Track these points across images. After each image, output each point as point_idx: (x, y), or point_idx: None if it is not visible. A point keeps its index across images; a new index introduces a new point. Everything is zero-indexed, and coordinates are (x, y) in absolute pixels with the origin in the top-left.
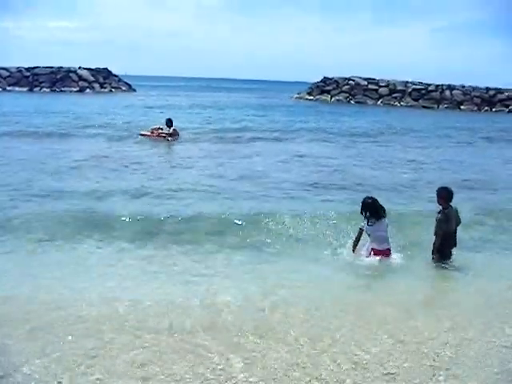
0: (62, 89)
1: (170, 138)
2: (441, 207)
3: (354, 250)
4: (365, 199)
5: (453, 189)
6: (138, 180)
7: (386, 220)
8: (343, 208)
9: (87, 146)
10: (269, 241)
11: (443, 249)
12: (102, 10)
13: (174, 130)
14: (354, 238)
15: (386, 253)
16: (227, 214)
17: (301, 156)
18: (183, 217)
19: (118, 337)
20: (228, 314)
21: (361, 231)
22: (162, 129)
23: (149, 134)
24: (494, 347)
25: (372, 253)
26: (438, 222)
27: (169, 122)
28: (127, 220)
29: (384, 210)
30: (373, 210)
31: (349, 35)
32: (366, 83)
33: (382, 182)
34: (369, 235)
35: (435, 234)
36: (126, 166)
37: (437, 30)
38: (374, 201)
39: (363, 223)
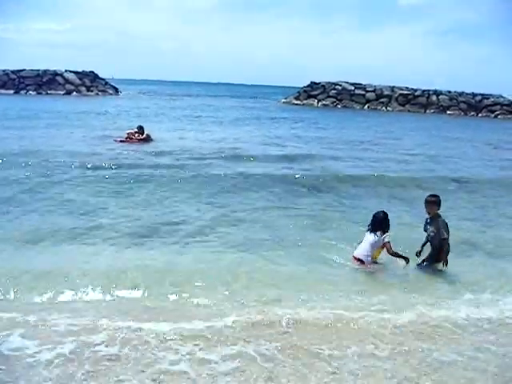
0: (48, 92)
1: (144, 140)
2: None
3: None
4: (376, 212)
5: None
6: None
7: (380, 238)
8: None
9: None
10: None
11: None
12: (89, 13)
13: (147, 135)
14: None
15: (357, 261)
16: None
17: None
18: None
19: None
20: None
21: None
22: (136, 133)
23: (123, 139)
24: None
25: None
26: (445, 225)
27: (140, 129)
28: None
29: (382, 229)
30: (372, 222)
31: (336, 38)
32: (352, 88)
33: None
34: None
35: (446, 238)
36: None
37: (425, 33)
38: (378, 217)
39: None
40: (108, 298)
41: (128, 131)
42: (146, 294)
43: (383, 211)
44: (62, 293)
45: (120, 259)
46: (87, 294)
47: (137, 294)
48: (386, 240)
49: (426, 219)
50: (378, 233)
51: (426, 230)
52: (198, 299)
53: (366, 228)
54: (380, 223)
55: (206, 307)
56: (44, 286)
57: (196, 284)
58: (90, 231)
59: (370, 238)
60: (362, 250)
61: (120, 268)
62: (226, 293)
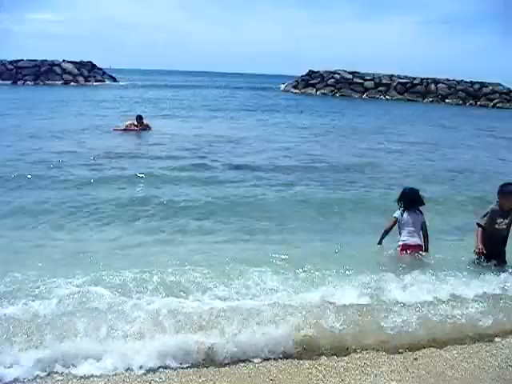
0: (46, 82)
1: (143, 130)
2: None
3: (380, 242)
4: (405, 188)
5: None
6: None
7: (423, 218)
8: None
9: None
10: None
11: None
12: (86, 3)
13: (145, 124)
14: (384, 228)
15: (417, 249)
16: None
17: None
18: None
19: None
20: None
21: (395, 221)
22: (135, 124)
23: (122, 129)
24: None
25: (401, 249)
26: None
27: (139, 119)
28: None
29: (422, 204)
30: (410, 200)
31: (333, 28)
32: (351, 77)
33: None
34: (400, 228)
35: None
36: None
37: (420, 23)
38: (415, 192)
39: (397, 213)
40: None
41: (126, 123)
42: None
43: (411, 187)
44: None
45: None
46: None
47: None
48: (424, 218)
49: (492, 211)
50: (418, 211)
51: (493, 222)
52: None
53: (400, 210)
54: (418, 198)
55: None
56: None
57: None
58: None
59: (417, 218)
60: (418, 234)
61: None
62: None
